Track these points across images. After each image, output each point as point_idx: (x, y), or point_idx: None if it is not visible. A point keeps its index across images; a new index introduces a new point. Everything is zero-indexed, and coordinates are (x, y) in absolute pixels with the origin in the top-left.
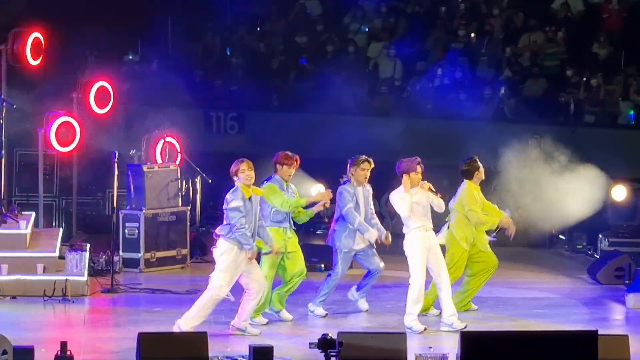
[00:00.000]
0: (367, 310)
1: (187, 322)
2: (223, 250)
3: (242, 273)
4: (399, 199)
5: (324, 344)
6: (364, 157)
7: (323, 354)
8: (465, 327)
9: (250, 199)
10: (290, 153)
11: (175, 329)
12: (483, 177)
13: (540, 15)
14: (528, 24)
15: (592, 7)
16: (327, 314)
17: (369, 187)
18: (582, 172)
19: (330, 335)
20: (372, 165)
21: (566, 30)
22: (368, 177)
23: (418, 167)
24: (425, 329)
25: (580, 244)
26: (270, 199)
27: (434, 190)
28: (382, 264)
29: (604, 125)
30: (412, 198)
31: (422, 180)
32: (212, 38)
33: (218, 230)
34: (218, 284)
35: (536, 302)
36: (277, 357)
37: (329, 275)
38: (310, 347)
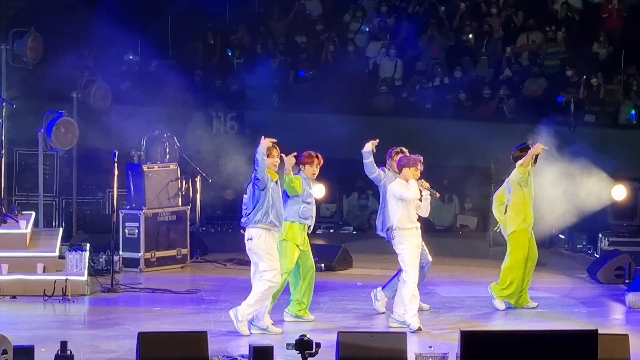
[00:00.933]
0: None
1: (244, 309)
2: (252, 237)
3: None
4: (404, 185)
5: (301, 345)
6: (398, 149)
7: (300, 355)
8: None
9: (276, 182)
10: (312, 152)
11: (232, 315)
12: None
13: (540, 14)
14: (528, 24)
15: (592, 6)
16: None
17: None
18: (583, 172)
19: (307, 336)
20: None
21: (566, 30)
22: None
23: (419, 165)
24: (420, 329)
25: (580, 244)
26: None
27: (433, 190)
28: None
29: (605, 125)
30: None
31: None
32: (212, 38)
33: (243, 220)
34: (269, 275)
35: (536, 301)
36: (278, 356)
37: None
38: (287, 349)
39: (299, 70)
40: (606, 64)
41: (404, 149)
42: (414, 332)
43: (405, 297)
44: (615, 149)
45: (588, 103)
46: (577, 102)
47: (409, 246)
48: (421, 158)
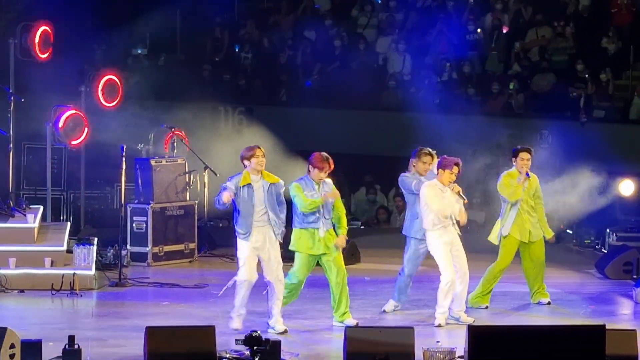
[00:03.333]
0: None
1: (233, 316)
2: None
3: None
4: (434, 197)
5: (250, 340)
6: (427, 150)
7: (249, 350)
8: (473, 322)
9: (248, 185)
10: (324, 156)
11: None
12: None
13: (549, 9)
14: (537, 19)
15: (601, 1)
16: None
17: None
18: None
19: (258, 332)
20: (435, 159)
21: (575, 25)
22: (428, 170)
23: (455, 167)
24: (440, 325)
25: (588, 239)
26: (294, 200)
27: (462, 196)
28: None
29: (614, 120)
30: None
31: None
32: (221, 33)
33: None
34: (238, 271)
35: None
36: (285, 351)
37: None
38: (236, 344)
39: (307, 66)
40: (615, 59)
41: (432, 152)
42: (436, 326)
43: (439, 294)
44: (624, 144)
45: (597, 98)
46: (586, 97)
47: (438, 246)
48: (457, 160)
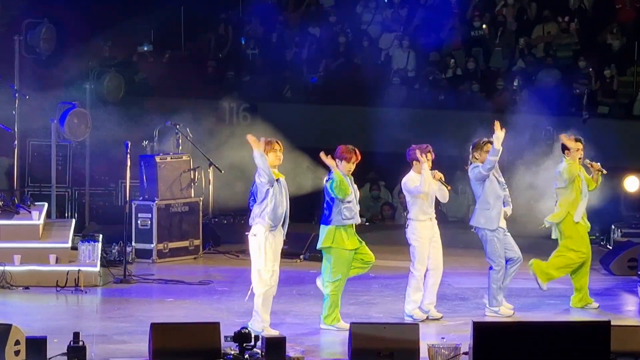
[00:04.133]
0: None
1: (257, 324)
2: (255, 232)
3: None
4: (414, 181)
5: (239, 337)
6: (486, 139)
7: (238, 347)
8: (441, 317)
9: (278, 180)
10: (350, 147)
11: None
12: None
13: (554, 5)
14: (541, 15)
15: None
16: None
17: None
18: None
19: (248, 329)
20: None
21: (579, 21)
22: None
23: (429, 154)
24: (427, 318)
25: (593, 235)
26: (334, 186)
27: (444, 181)
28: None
29: (618, 117)
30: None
31: (432, 167)
32: (225, 29)
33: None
34: (263, 277)
35: (548, 293)
36: (290, 347)
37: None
38: (225, 341)
39: (310, 65)
40: (619, 55)
41: (491, 140)
42: (422, 322)
43: (409, 288)
44: (628, 140)
45: (601, 95)
46: (590, 93)
47: (419, 238)
48: (430, 147)
